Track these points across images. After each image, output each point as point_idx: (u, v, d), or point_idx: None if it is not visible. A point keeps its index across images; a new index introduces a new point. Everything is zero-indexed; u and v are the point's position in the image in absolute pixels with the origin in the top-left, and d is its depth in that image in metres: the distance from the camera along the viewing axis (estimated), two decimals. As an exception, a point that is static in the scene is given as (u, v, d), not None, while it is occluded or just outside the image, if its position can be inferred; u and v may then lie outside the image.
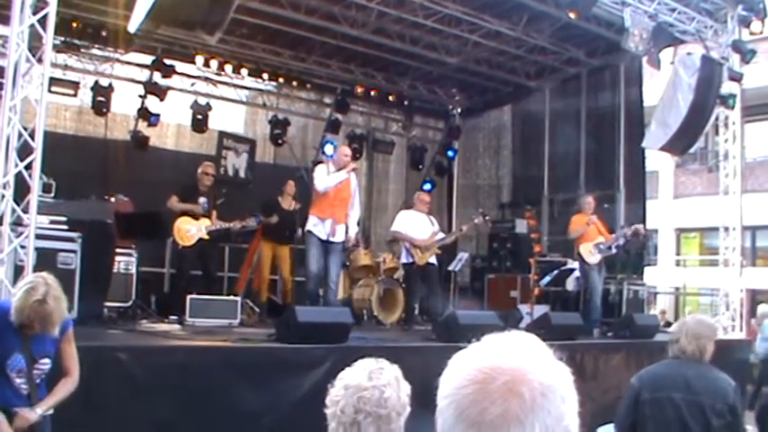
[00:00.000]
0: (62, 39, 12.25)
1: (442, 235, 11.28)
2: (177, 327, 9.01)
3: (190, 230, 10.05)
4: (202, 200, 10.28)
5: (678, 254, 25.78)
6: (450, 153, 18.02)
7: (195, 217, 10.13)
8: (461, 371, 1.18)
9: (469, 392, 1.14)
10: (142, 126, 14.14)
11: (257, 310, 10.99)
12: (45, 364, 4.18)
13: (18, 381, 4.08)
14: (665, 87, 11.99)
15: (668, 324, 15.00)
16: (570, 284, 12.45)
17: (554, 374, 1.18)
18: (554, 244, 14.27)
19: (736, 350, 11.06)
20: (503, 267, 14.60)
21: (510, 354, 1.18)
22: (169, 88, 14.34)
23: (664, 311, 18.00)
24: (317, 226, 9.31)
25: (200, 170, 10.58)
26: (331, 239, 9.32)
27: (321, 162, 9.42)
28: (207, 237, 10.13)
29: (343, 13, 12.93)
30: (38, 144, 6.55)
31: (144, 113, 14.10)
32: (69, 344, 4.34)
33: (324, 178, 9.37)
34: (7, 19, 6.82)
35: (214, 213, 10.31)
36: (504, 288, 13.88)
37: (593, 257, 10.91)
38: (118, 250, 9.89)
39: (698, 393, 4.30)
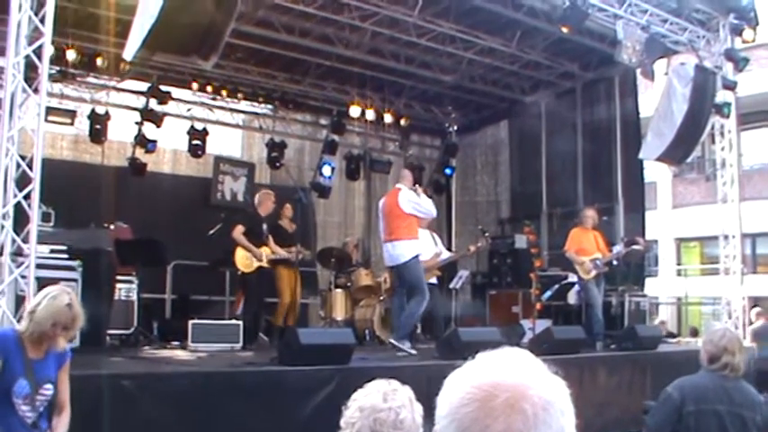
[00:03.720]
0: (58, 68, 12.28)
1: (446, 254, 11.30)
2: (180, 352, 8.99)
3: (251, 257, 10.26)
4: (264, 226, 10.52)
5: (679, 263, 25.77)
6: (447, 171, 18.02)
7: (257, 245, 10.29)
8: (460, 390, 1.19)
9: (470, 411, 1.15)
10: (139, 153, 14.16)
11: (259, 333, 10.97)
12: (48, 389, 4.19)
13: (24, 408, 4.09)
14: (659, 98, 12.03)
15: (671, 335, 15.00)
16: (572, 298, 12.42)
17: (553, 389, 1.19)
18: (554, 258, 14.22)
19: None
20: (503, 283, 14.57)
21: (508, 370, 1.19)
22: (165, 114, 14.34)
23: (663, 322, 17.90)
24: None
25: (264, 197, 10.74)
26: None
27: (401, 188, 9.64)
28: (267, 264, 10.37)
29: (337, 35, 13.00)
30: (36, 174, 6.57)
31: (141, 140, 14.11)
32: (66, 374, 4.38)
33: (427, 203, 9.47)
34: (3, 50, 6.85)
35: (271, 240, 10.60)
36: (505, 304, 13.86)
37: (588, 273, 10.89)
38: (118, 277, 9.90)
39: (740, 406, 4.29)
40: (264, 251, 10.39)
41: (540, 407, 1.14)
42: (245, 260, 10.26)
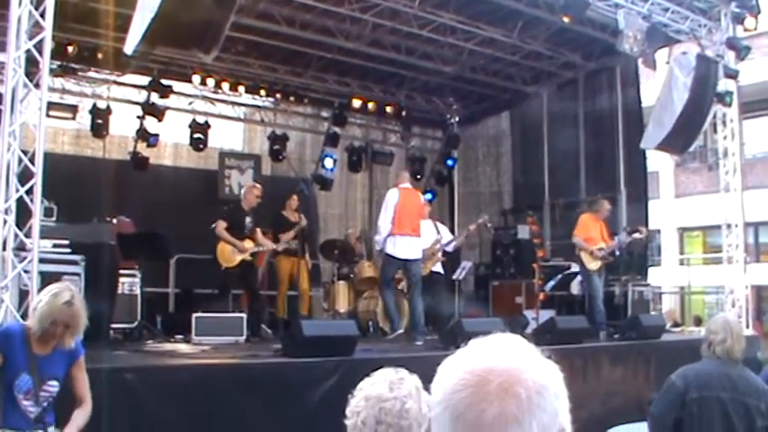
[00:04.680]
0: (58, 63, 12.27)
1: (448, 237, 11.41)
2: (184, 345, 9.01)
3: (233, 252, 10.19)
4: (248, 219, 10.41)
5: (682, 253, 25.76)
6: (449, 162, 17.93)
7: (240, 238, 10.22)
8: (453, 376, 1.19)
9: (464, 396, 1.15)
10: (141, 147, 14.14)
11: (264, 326, 10.98)
12: (53, 386, 4.18)
13: (25, 403, 4.09)
14: (661, 87, 12.00)
15: (676, 324, 15.00)
16: (575, 288, 12.43)
17: (546, 373, 1.20)
18: (557, 248, 14.24)
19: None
20: (507, 274, 14.59)
21: (502, 355, 1.20)
22: (167, 108, 14.33)
23: (672, 310, 17.84)
24: None
25: (247, 191, 10.70)
26: None
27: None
28: (250, 257, 10.29)
29: (337, 27, 12.98)
30: (38, 168, 6.58)
31: (143, 134, 14.10)
32: (81, 370, 4.34)
33: None
34: (3, 45, 6.86)
35: (258, 232, 10.48)
36: (508, 294, 13.88)
37: (593, 263, 10.90)
38: (121, 271, 9.89)
39: (743, 393, 4.30)
40: (247, 244, 10.26)
41: (534, 391, 1.15)
42: (226, 255, 10.16)
